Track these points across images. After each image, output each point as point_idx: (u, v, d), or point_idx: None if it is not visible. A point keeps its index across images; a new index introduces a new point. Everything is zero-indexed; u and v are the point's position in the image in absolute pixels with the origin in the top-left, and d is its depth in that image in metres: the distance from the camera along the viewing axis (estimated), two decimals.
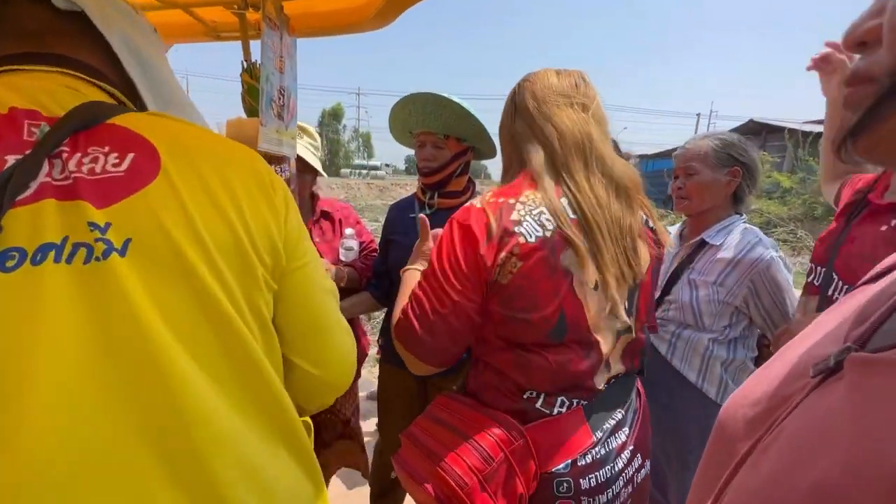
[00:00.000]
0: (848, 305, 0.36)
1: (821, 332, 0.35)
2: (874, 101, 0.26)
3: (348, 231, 1.47)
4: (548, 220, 0.73)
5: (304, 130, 1.49)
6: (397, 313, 0.79)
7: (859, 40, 0.27)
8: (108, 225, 0.41)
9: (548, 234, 0.73)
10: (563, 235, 0.73)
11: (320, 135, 1.68)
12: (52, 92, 0.45)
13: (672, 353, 1.26)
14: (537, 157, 0.79)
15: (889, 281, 0.33)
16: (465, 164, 1.34)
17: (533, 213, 0.74)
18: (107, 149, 0.44)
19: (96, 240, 0.40)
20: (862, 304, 0.33)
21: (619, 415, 0.80)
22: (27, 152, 0.41)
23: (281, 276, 0.52)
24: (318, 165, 1.46)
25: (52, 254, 0.39)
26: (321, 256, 1.41)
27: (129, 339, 0.40)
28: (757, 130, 16.29)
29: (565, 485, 0.72)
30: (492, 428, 0.73)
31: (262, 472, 0.46)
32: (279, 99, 1.02)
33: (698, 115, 42.39)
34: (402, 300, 0.81)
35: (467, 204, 0.78)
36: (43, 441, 0.36)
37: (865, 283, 0.38)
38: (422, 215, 0.94)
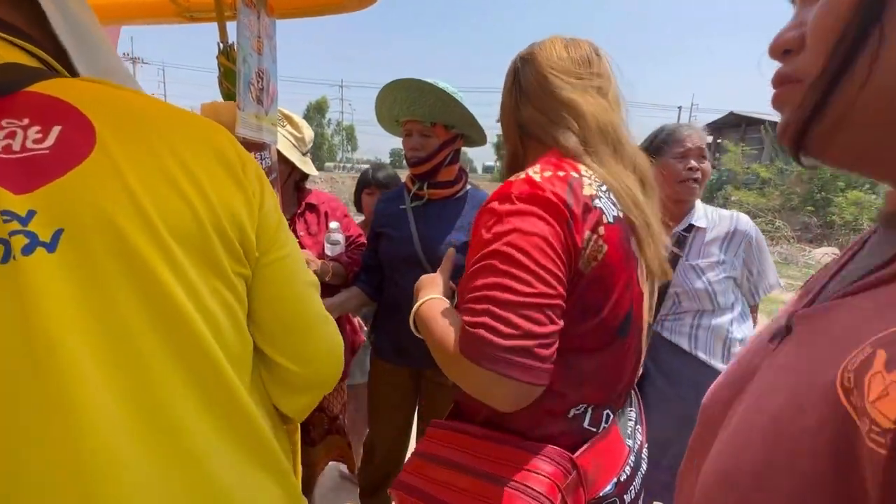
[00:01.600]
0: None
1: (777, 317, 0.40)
2: (807, 99, 0.29)
3: (333, 225, 1.41)
4: (616, 198, 0.63)
5: (287, 119, 1.41)
6: (453, 338, 0.58)
7: (784, 48, 0.32)
8: (31, 213, 0.34)
9: (620, 213, 0.62)
10: (629, 217, 0.63)
11: None
12: None
13: (695, 345, 1.26)
14: (564, 138, 0.66)
15: (832, 260, 0.39)
16: (454, 153, 1.29)
17: (602, 189, 0.61)
18: (26, 121, 0.37)
19: (13, 233, 0.33)
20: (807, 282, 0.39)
21: (632, 414, 0.76)
22: None
23: (255, 266, 0.46)
24: (295, 159, 1.34)
25: None
26: (303, 249, 1.36)
27: (35, 366, 0.33)
28: (736, 123, 16.59)
29: None
30: (539, 465, 0.59)
31: (224, 498, 0.41)
32: (258, 82, 0.96)
33: (679, 107, 42.97)
34: (446, 326, 0.61)
35: (512, 178, 0.62)
36: None
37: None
38: (451, 248, 0.81)
